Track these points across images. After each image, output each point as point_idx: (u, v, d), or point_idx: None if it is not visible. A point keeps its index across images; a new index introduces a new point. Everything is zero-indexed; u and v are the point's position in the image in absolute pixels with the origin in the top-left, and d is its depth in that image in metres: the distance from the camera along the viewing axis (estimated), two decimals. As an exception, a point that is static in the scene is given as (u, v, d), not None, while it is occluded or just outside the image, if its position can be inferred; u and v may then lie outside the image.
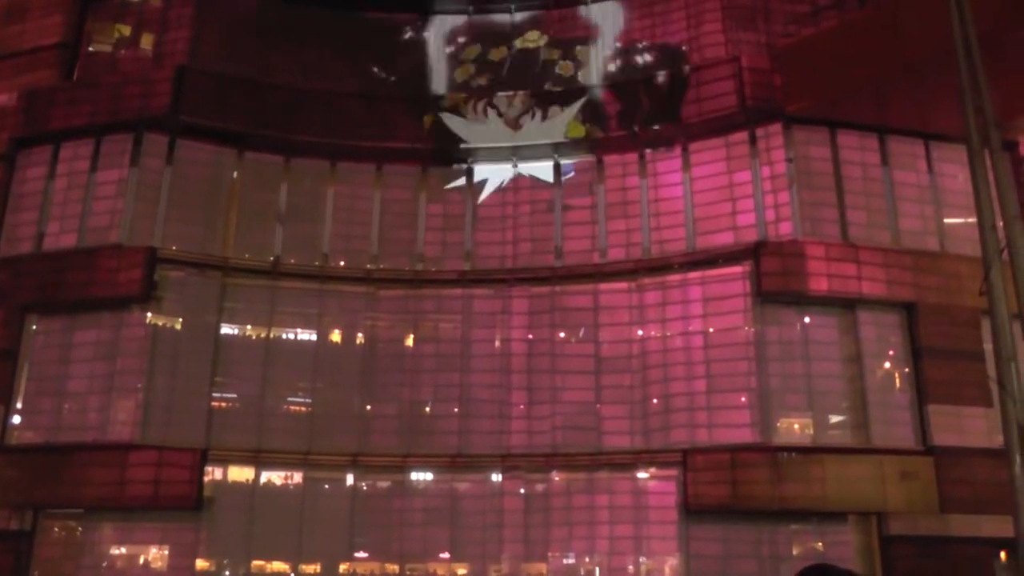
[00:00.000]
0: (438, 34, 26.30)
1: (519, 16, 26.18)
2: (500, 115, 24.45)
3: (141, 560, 22.56)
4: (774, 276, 21.44)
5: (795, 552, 20.81)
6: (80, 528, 22.35)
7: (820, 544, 20.89)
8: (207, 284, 23.32)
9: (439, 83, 25.68)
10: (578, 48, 25.55)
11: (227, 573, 22.11)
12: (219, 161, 24.27)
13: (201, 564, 21.89)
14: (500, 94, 24.72)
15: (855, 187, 22.49)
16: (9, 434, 22.51)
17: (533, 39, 25.82)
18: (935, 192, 22.80)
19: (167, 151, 23.84)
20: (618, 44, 25.37)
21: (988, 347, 17.57)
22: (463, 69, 25.79)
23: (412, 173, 24.99)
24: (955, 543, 19.80)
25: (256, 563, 22.24)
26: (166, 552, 22.56)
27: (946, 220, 22.55)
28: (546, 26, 25.97)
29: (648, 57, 25.01)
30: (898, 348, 21.78)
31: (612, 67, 25.19)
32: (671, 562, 21.75)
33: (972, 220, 16.39)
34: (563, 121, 24.18)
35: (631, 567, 21.87)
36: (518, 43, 25.88)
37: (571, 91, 24.60)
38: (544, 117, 24.31)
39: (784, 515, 20.78)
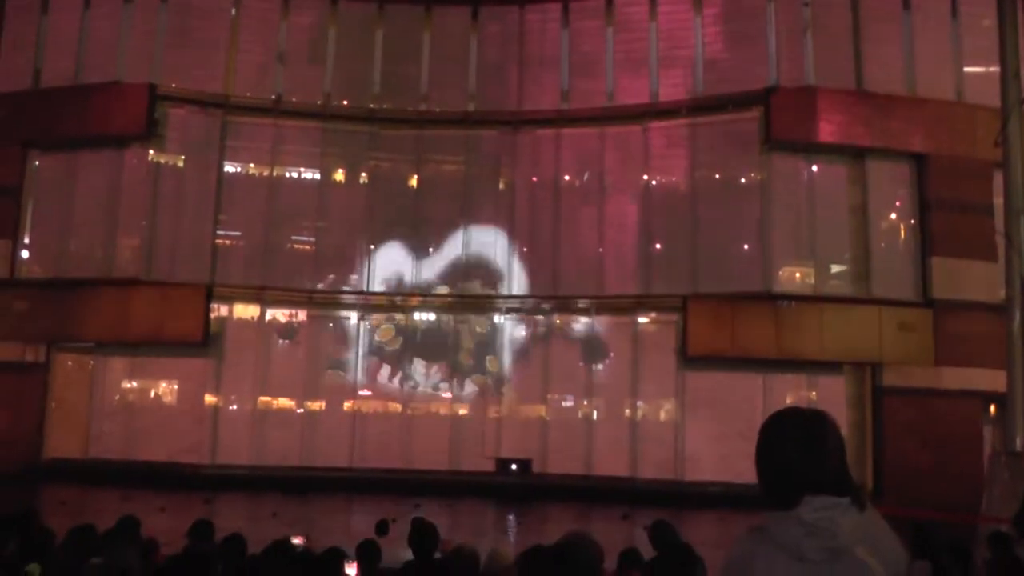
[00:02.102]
0: None
1: None
2: None
3: (152, 394, 23.20)
4: (784, 122, 21.01)
5: (789, 400, 21.13)
6: (92, 362, 22.85)
7: (813, 394, 21.25)
8: (209, 121, 23.01)
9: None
10: None
11: (234, 407, 22.74)
12: (217, -4, 23.53)
13: (209, 399, 22.49)
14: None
15: (872, 33, 21.69)
16: (18, 268, 22.74)
17: None
18: (956, 39, 21.93)
19: (163, -14, 23.12)
20: None
21: (998, 201, 17.34)
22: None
23: (416, 12, 24.20)
24: (946, 396, 20.11)
25: (263, 399, 22.83)
26: (176, 387, 23.18)
27: (966, 68, 21.77)
28: None
29: None
30: (905, 199, 21.56)
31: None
32: (667, 407, 22.25)
33: (994, 69, 15.98)
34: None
35: (628, 411, 22.40)
36: None
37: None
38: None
39: (780, 364, 21.07)
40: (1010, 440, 14.32)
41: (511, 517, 18.83)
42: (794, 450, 2.27)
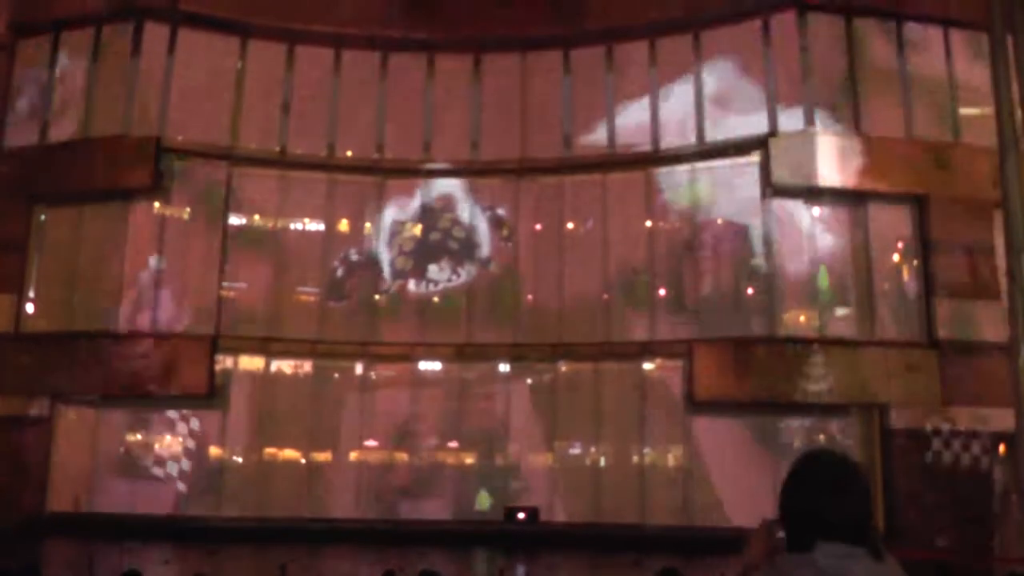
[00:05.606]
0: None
1: None
2: None
3: (157, 447, 23.08)
4: (784, 168, 21.18)
5: (796, 445, 21.09)
6: (96, 415, 22.78)
7: (822, 437, 21.17)
8: (214, 174, 23.21)
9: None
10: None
11: (240, 458, 22.63)
12: (222, 50, 23.82)
13: (215, 450, 22.39)
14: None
15: (869, 77, 21.98)
16: (23, 322, 22.75)
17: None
18: (952, 81, 22.18)
19: (168, 41, 23.42)
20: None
21: (998, 240, 17.42)
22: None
23: (419, 62, 24.49)
24: (955, 436, 20.02)
25: (268, 450, 22.72)
26: (180, 440, 23.07)
27: (961, 110, 22.02)
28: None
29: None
30: (908, 241, 21.61)
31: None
32: (674, 452, 22.12)
33: (989, 110, 16.15)
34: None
35: (635, 458, 22.25)
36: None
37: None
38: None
39: (788, 407, 21.01)
40: (1020, 479, 14.23)
41: (520, 566, 18.65)
42: (818, 493, 2.26)
